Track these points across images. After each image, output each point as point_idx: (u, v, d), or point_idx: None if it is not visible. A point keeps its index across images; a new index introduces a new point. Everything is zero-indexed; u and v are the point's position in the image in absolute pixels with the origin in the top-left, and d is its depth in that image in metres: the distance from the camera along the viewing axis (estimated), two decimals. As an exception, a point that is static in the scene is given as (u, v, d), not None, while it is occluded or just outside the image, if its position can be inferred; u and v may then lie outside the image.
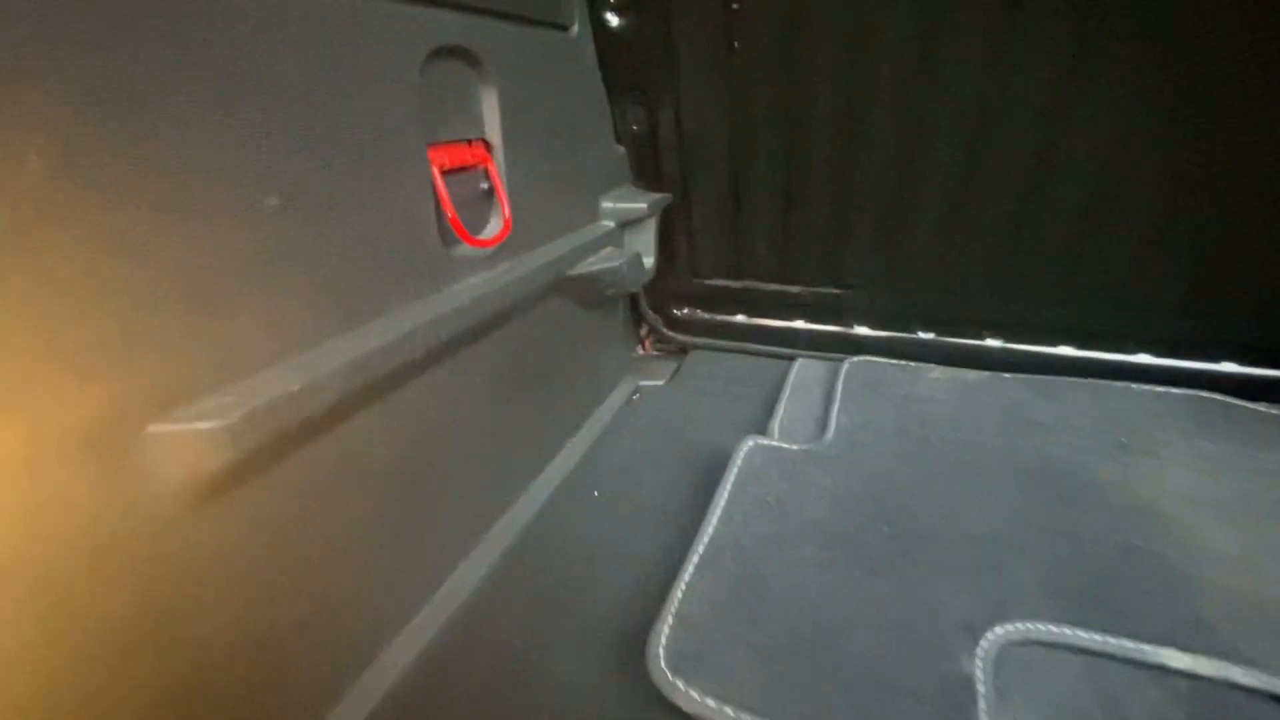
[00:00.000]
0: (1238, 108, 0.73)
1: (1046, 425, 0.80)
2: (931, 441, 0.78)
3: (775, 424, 0.86)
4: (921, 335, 1.00)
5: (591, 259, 0.84)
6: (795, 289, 1.04)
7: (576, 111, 0.85)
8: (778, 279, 1.04)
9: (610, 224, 0.91)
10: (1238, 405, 0.84)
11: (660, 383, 1.03)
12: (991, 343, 0.97)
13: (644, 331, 1.17)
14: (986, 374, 0.94)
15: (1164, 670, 0.50)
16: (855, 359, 1.00)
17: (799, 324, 1.06)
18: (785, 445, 0.77)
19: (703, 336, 1.13)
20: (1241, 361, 0.87)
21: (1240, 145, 0.74)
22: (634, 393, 1.00)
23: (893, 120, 0.85)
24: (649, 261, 0.97)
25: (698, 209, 1.02)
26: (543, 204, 0.76)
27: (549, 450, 0.83)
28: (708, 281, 1.09)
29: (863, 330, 1.03)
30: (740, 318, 1.10)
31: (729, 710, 0.46)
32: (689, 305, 1.12)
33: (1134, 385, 0.88)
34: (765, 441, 0.77)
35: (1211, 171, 0.77)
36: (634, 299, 1.10)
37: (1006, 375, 0.93)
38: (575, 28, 0.83)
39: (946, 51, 0.79)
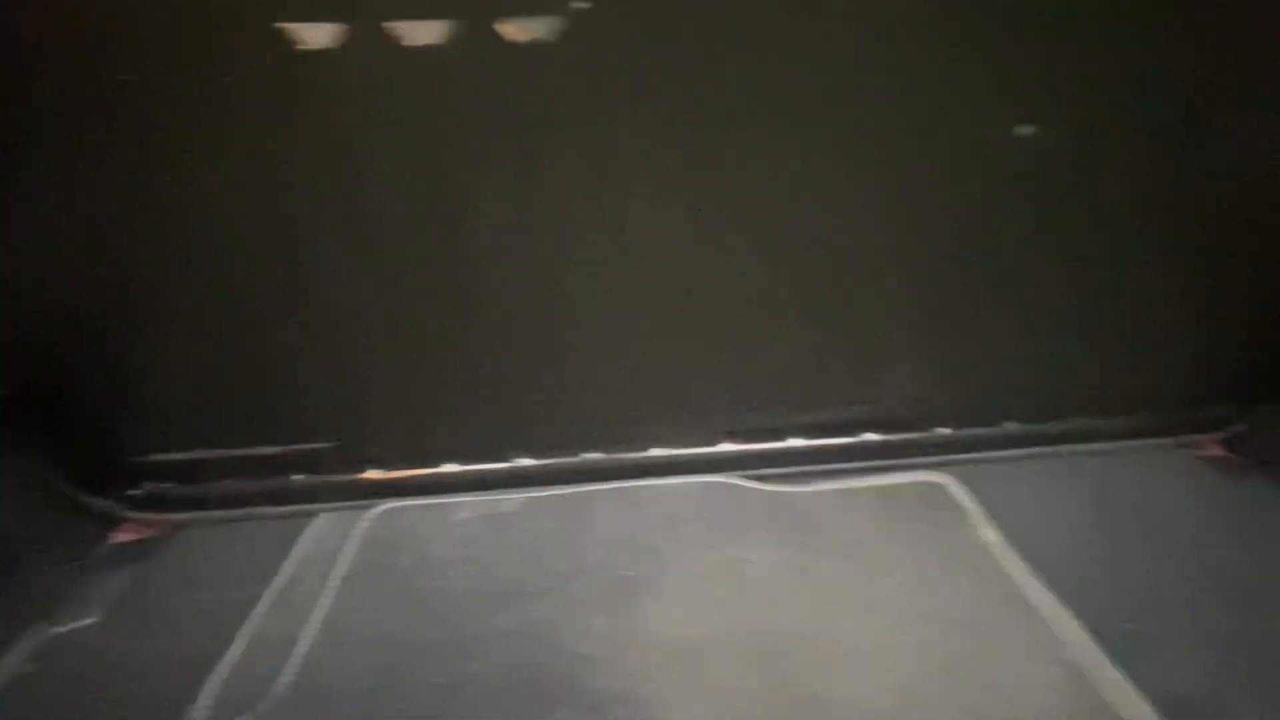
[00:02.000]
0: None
1: (559, 573, 0.72)
2: (425, 643, 0.64)
3: (216, 677, 0.63)
4: (449, 468, 0.87)
5: None
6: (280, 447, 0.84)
7: None
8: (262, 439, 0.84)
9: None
10: (745, 490, 0.84)
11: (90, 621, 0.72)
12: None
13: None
14: (521, 498, 0.84)
15: None
16: (380, 509, 0.83)
17: (303, 478, 0.86)
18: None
19: (190, 511, 0.87)
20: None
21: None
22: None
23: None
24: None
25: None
26: None
27: None
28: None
29: (377, 474, 0.87)
30: (229, 483, 0.87)
31: None
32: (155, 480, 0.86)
33: (660, 482, 0.85)
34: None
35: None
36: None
37: (543, 494, 0.84)
38: None
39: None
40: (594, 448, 0.86)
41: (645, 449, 0.88)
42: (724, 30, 0.66)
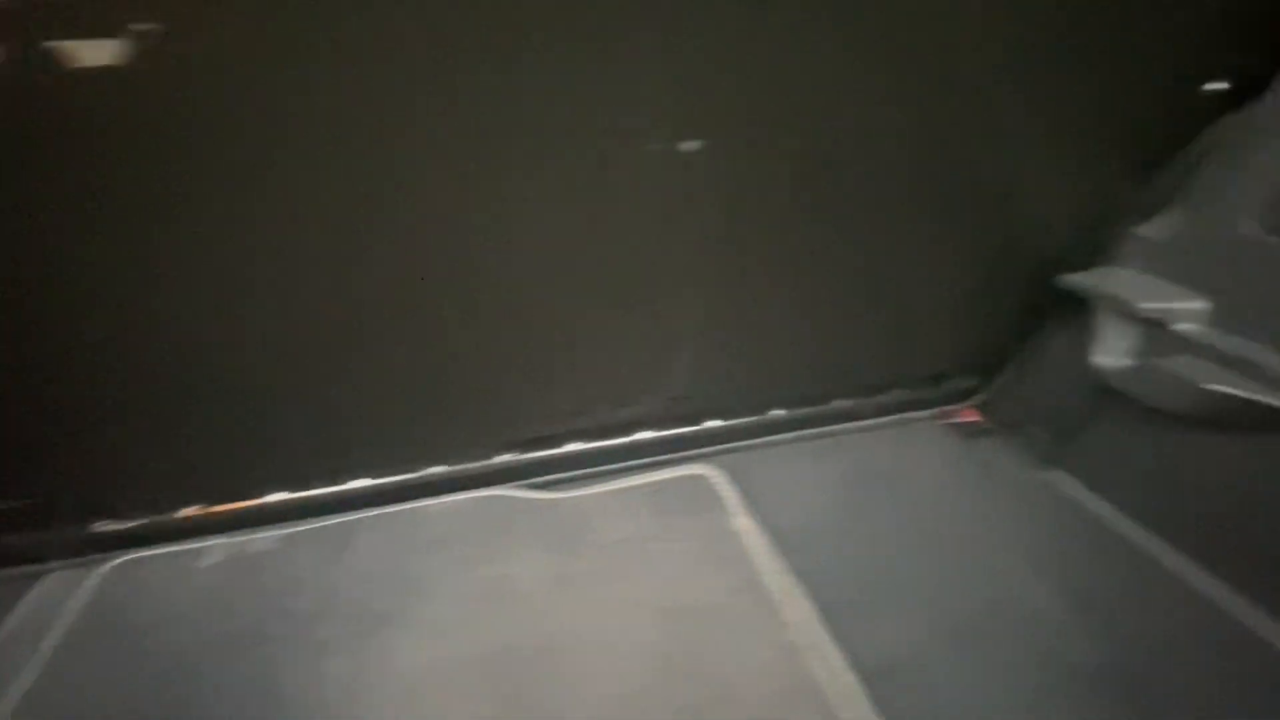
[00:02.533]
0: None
1: (305, 615, 0.68)
2: (138, 711, 0.59)
3: None
4: (190, 511, 0.81)
5: None
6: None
7: None
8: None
9: None
10: (520, 500, 0.84)
11: None
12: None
13: None
14: (277, 535, 0.79)
15: None
16: (113, 563, 0.76)
17: (23, 535, 0.77)
18: None
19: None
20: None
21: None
22: None
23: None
24: None
25: None
26: None
27: None
28: None
29: (111, 525, 0.79)
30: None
31: None
32: None
33: (432, 502, 0.83)
34: None
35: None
36: None
37: (304, 529, 0.80)
38: None
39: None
40: (360, 474, 0.83)
41: (421, 469, 0.85)
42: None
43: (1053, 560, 0.76)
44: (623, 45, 0.55)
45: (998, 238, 0.87)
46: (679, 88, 0.59)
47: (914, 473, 0.94)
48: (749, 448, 0.95)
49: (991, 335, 1.00)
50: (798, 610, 0.69)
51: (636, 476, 0.87)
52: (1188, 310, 0.71)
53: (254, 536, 0.78)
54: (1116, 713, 0.61)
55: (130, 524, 0.78)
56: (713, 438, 0.93)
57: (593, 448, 0.89)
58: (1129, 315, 0.75)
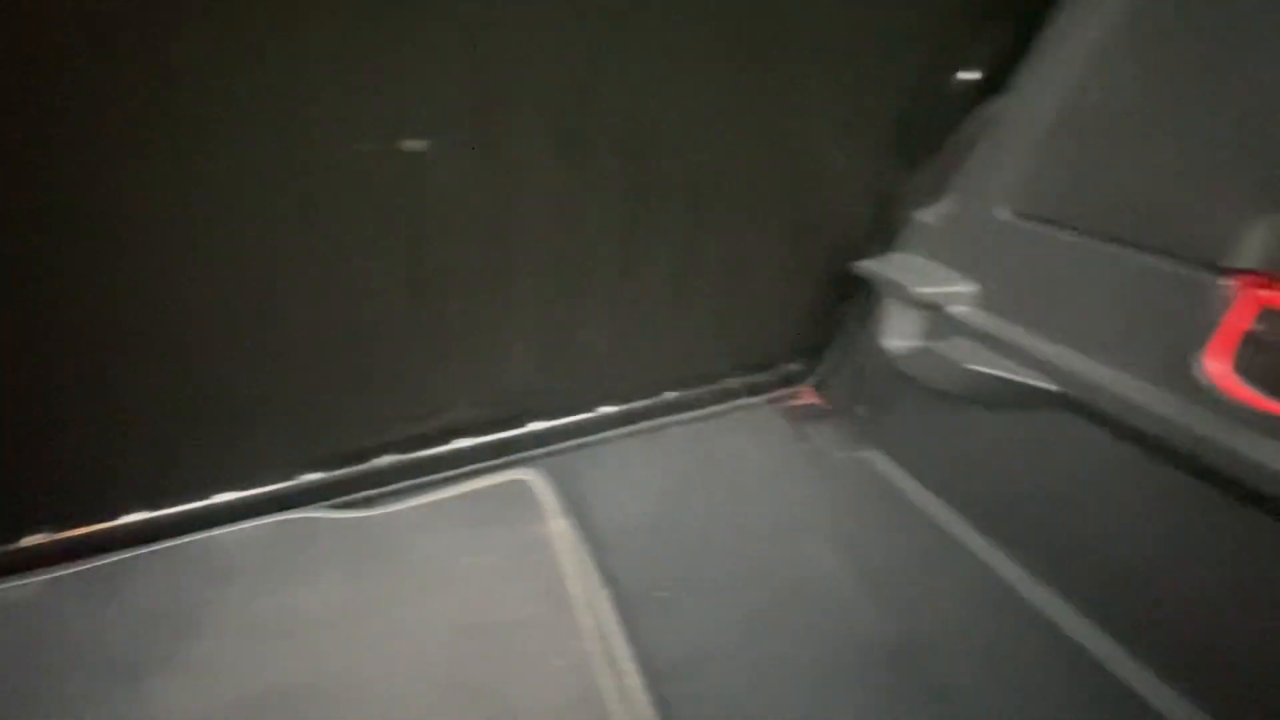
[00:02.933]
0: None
1: (55, 669, 0.62)
2: None
3: None
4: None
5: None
6: None
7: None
8: None
9: None
10: (324, 519, 0.80)
11: None
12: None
13: None
14: (39, 582, 0.72)
15: None
16: None
17: None
18: None
19: None
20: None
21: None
22: None
23: None
24: None
25: None
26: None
27: None
28: None
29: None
30: None
31: None
32: None
33: (222, 531, 0.77)
34: None
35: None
36: None
37: (71, 571, 0.73)
38: None
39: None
40: (136, 506, 0.76)
41: (208, 495, 0.79)
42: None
43: (858, 539, 0.79)
44: (337, 40, 0.52)
45: (808, 227, 0.89)
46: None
47: (742, 460, 0.95)
48: (578, 448, 0.93)
49: (817, 320, 1.03)
50: (596, 616, 0.68)
51: (454, 487, 0.84)
52: (958, 293, 0.74)
53: (10, 585, 0.71)
54: (907, 688, 0.63)
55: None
56: (538, 440, 0.91)
57: (407, 459, 0.86)
58: (909, 300, 0.77)
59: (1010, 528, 0.74)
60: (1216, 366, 0.53)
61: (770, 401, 1.08)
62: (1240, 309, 0.51)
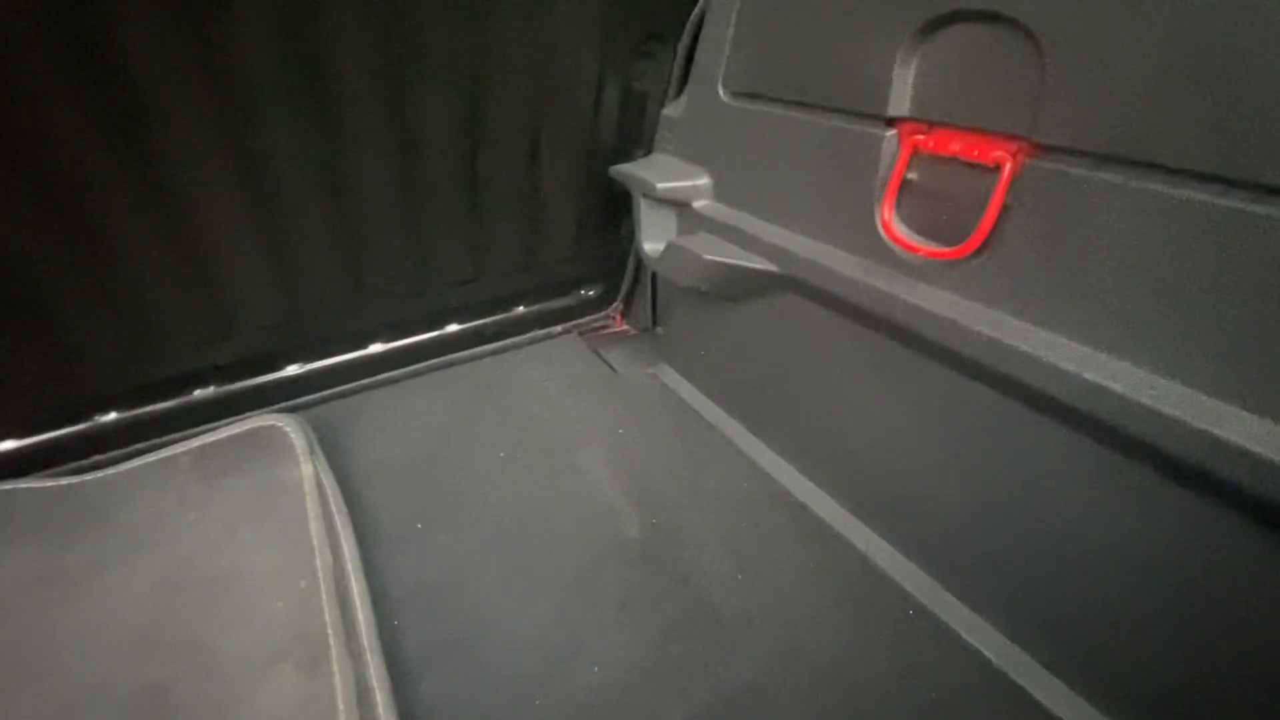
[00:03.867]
0: None
1: None
2: None
3: None
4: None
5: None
6: None
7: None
8: None
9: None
10: (24, 489, 0.70)
11: None
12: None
13: None
14: None
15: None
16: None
17: None
18: None
19: None
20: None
21: None
22: None
23: None
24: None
25: None
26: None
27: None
28: None
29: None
30: None
31: None
32: None
33: None
34: None
35: None
36: None
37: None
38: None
39: None
40: None
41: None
42: None
43: (631, 448, 0.78)
44: None
45: (573, 137, 0.84)
46: None
47: (533, 389, 0.91)
48: (347, 393, 0.87)
49: (608, 240, 0.99)
50: (334, 556, 0.62)
51: (189, 442, 0.76)
52: (698, 187, 0.73)
53: None
54: (656, 578, 0.63)
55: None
56: (294, 386, 0.84)
57: (133, 415, 0.76)
58: (657, 199, 0.76)
59: (762, 415, 0.75)
60: (886, 218, 0.54)
61: (575, 331, 1.06)
62: (902, 157, 0.52)
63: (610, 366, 0.95)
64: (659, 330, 0.99)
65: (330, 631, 0.55)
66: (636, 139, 0.86)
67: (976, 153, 0.47)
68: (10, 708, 0.50)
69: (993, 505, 0.53)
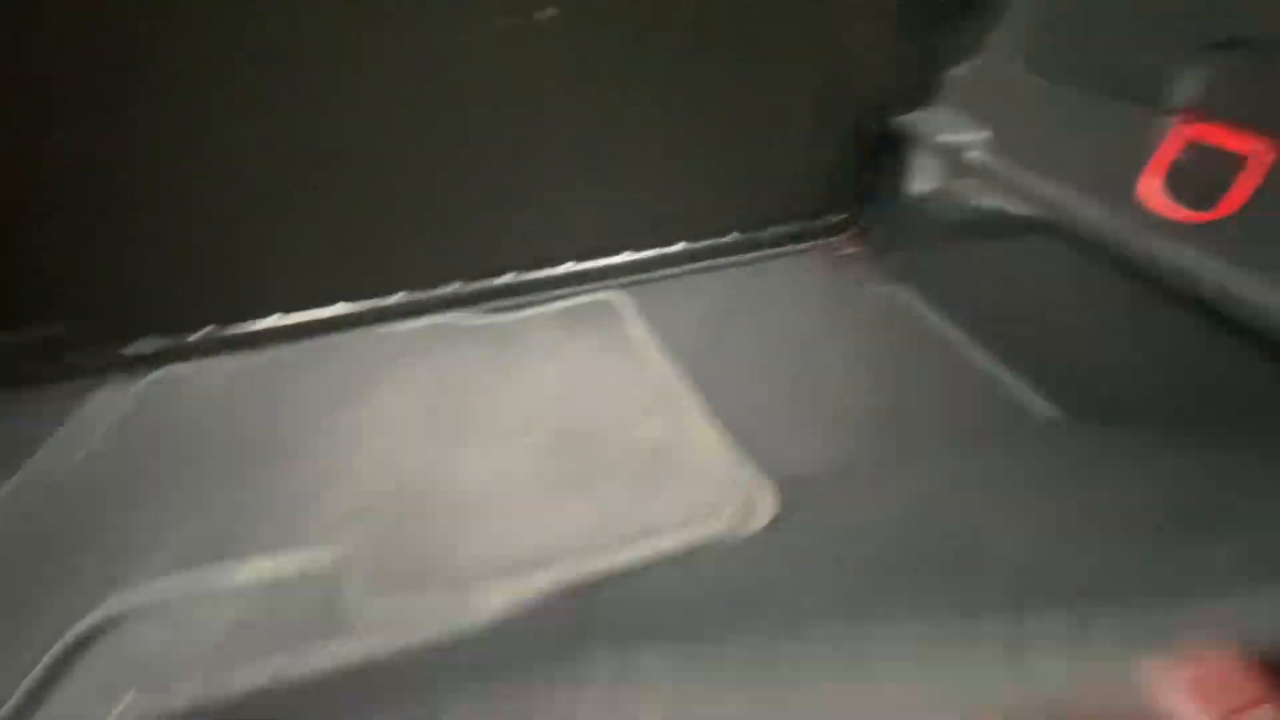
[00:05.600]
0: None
1: (302, 389, 0.92)
2: (174, 454, 0.84)
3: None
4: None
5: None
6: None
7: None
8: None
9: None
10: (460, 324, 1.06)
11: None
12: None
13: None
14: (270, 355, 1.02)
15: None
16: (150, 378, 1.00)
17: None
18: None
19: None
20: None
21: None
22: None
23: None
24: None
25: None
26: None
27: None
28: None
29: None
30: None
31: None
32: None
33: (392, 326, 1.05)
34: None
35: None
36: None
37: (295, 346, 1.03)
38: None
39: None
40: (340, 298, 1.05)
41: (387, 296, 1.07)
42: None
43: (864, 350, 0.97)
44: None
45: (840, 85, 1.02)
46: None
47: (777, 298, 1.13)
48: (656, 278, 1.16)
49: (859, 173, 1.16)
50: (668, 377, 0.90)
51: (558, 303, 1.09)
52: (974, 140, 0.88)
53: (253, 355, 1.02)
54: (886, 447, 0.83)
55: (157, 344, 1.01)
56: (621, 270, 1.14)
57: (528, 278, 1.11)
58: (934, 148, 0.92)
59: (1002, 341, 0.91)
60: (1151, 185, 0.67)
61: (813, 250, 1.25)
62: (1172, 141, 0.65)
63: (843, 282, 1.14)
64: (894, 254, 1.15)
65: (684, 404, 0.83)
66: (910, 92, 1.01)
67: (1236, 144, 0.59)
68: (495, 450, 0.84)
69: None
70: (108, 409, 0.94)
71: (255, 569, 0.64)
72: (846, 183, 1.18)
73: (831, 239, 1.26)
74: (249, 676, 0.54)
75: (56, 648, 0.56)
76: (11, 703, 0.51)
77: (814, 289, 1.14)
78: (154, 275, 0.94)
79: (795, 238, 1.22)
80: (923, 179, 0.95)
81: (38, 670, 0.54)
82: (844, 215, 1.24)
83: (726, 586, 0.61)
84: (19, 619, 0.59)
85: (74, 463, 0.83)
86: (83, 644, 0.58)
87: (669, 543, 0.65)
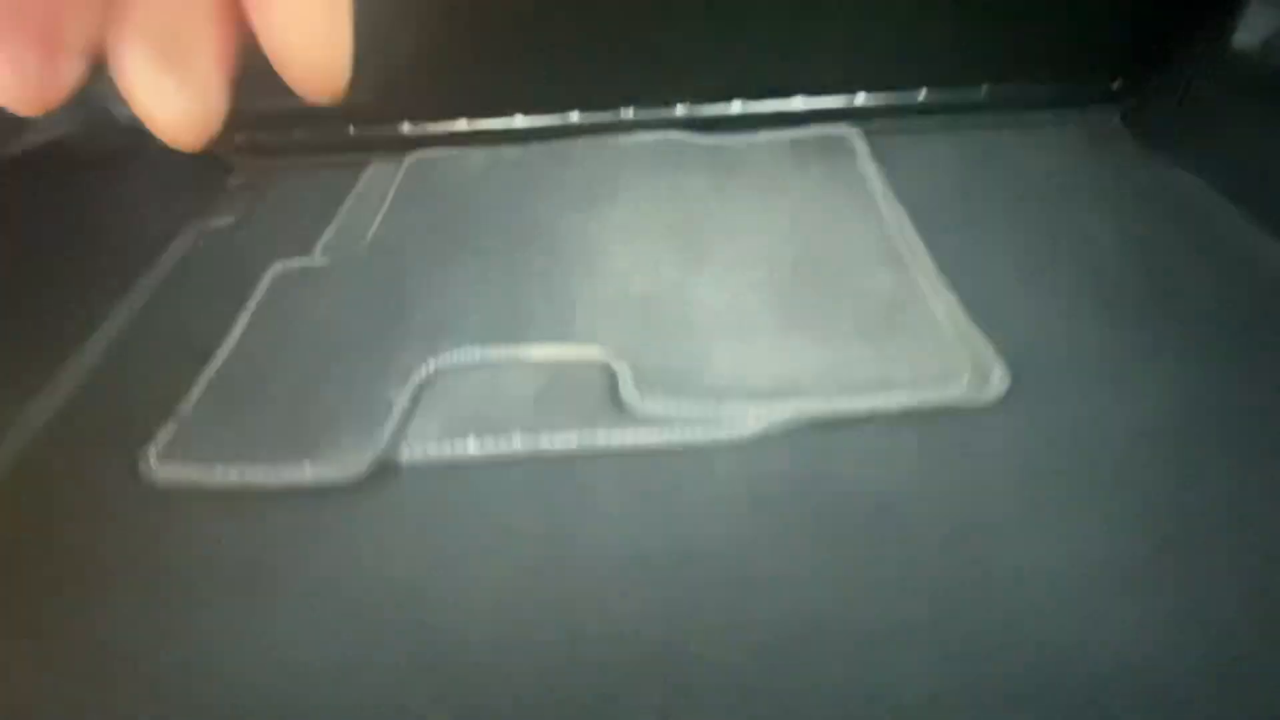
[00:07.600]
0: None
1: (545, 189, 1.00)
2: (451, 229, 0.96)
3: (319, 244, 0.97)
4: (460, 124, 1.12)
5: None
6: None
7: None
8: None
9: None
10: (690, 142, 1.08)
11: (231, 220, 1.06)
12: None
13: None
14: (520, 150, 1.09)
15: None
16: (413, 157, 1.11)
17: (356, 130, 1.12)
18: (315, 264, 0.91)
19: (279, 158, 1.15)
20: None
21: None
22: (198, 238, 1.03)
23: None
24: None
25: None
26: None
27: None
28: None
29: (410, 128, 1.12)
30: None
31: (197, 468, 0.63)
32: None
33: (623, 137, 1.09)
34: (292, 263, 0.90)
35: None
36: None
37: (538, 146, 1.10)
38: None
39: None
40: (575, 107, 1.09)
41: (618, 110, 1.10)
42: None
43: (1132, 228, 0.89)
44: None
45: None
46: None
47: (1038, 168, 1.04)
48: (892, 120, 1.10)
49: (1142, 37, 1.01)
50: (902, 227, 0.90)
51: (787, 132, 1.07)
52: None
53: (503, 149, 1.09)
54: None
55: (417, 129, 1.11)
56: (860, 110, 1.09)
57: (754, 110, 1.09)
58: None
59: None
60: None
61: (1084, 114, 1.12)
62: None
63: (1113, 158, 1.03)
64: (1176, 132, 1.01)
65: (918, 259, 0.85)
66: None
67: None
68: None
69: None
70: (384, 182, 1.07)
71: (544, 352, 0.75)
72: (1126, 37, 1.03)
73: (1103, 105, 1.12)
74: (558, 442, 0.67)
75: (412, 383, 0.71)
76: (389, 426, 0.67)
77: (1073, 161, 1.04)
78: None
79: (1056, 101, 1.10)
80: (1251, 29, 0.81)
81: (404, 399, 0.70)
82: (1120, 79, 1.09)
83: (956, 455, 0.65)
84: (372, 362, 0.74)
85: (370, 232, 0.97)
86: (428, 384, 0.72)
87: (901, 399, 0.69)
